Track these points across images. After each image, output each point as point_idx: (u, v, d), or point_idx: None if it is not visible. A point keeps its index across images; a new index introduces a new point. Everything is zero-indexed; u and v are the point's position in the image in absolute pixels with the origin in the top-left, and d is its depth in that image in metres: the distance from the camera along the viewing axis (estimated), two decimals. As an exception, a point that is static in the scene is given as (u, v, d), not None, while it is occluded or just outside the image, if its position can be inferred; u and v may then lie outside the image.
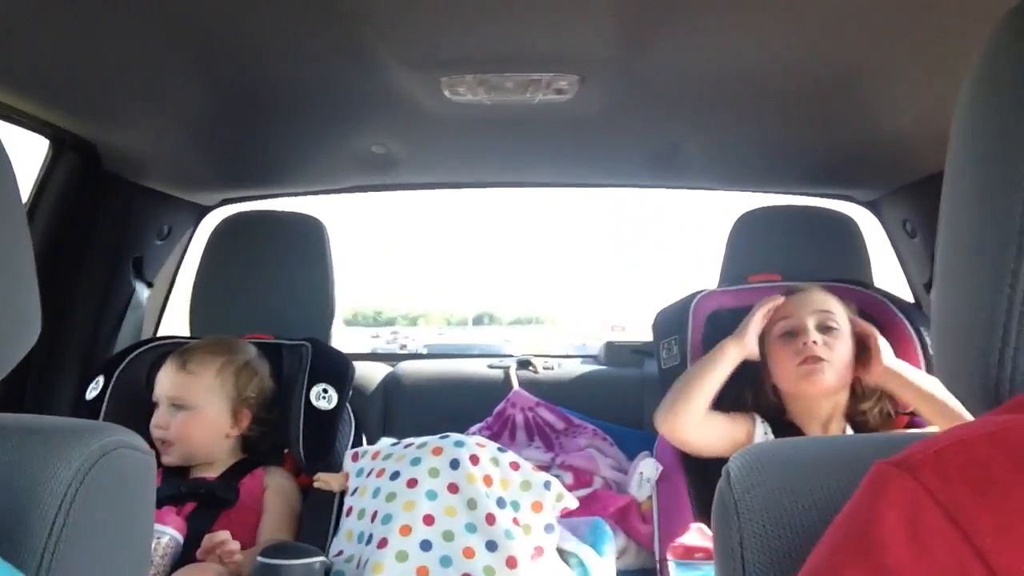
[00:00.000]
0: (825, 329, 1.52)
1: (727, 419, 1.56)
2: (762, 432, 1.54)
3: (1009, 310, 0.51)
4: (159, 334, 2.17)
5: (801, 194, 2.18)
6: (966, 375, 0.56)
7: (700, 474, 1.60)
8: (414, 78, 1.50)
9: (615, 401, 2.10)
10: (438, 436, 1.50)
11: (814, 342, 1.49)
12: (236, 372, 1.66)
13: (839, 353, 1.51)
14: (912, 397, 1.46)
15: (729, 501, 0.64)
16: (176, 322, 2.23)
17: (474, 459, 1.44)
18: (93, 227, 1.83)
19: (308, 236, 1.95)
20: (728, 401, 1.60)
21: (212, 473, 1.61)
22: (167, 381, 1.62)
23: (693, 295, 1.71)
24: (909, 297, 1.99)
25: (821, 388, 1.50)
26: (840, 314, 1.55)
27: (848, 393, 1.56)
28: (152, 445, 1.60)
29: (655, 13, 1.23)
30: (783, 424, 1.56)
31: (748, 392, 1.61)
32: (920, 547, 0.45)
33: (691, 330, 1.64)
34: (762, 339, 1.59)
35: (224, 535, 1.37)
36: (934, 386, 1.42)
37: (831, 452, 0.66)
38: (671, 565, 1.16)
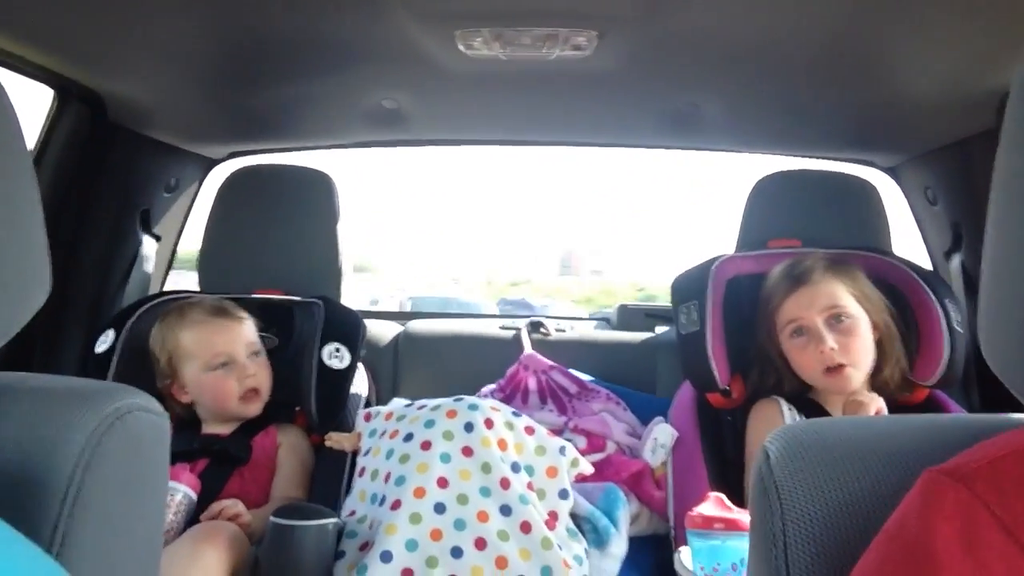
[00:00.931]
0: (836, 321, 1.47)
1: (764, 424, 1.53)
2: (788, 412, 1.52)
3: None
4: (166, 288, 2.16)
5: (821, 158, 2.14)
6: (1022, 367, 0.52)
7: (716, 441, 1.59)
8: (428, 31, 1.46)
9: (628, 365, 2.08)
10: (452, 399, 1.49)
11: (832, 349, 1.44)
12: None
13: (856, 348, 1.46)
14: None
15: (770, 484, 0.62)
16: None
17: (488, 423, 1.43)
18: (99, 179, 1.80)
19: (317, 191, 1.92)
20: (751, 384, 1.60)
21: (225, 430, 1.60)
22: (243, 331, 1.63)
23: (713, 260, 1.68)
24: (928, 265, 1.96)
25: (851, 390, 1.47)
26: (849, 302, 1.48)
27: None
28: (164, 403, 1.59)
29: None
30: (807, 402, 1.54)
31: (771, 374, 1.59)
32: (976, 561, 0.43)
33: (711, 295, 1.61)
34: (774, 332, 1.56)
35: (224, 504, 1.38)
36: None
37: (875, 439, 0.63)
38: (689, 535, 1.15)
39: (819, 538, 0.58)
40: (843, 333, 1.46)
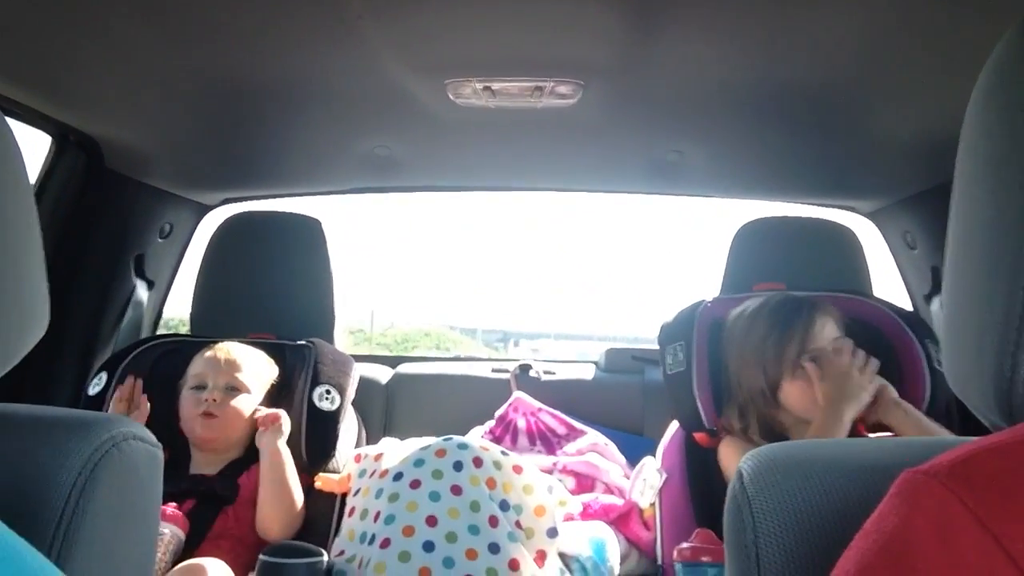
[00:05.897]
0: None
1: (737, 455, 1.53)
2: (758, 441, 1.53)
3: (1023, 316, 0.50)
4: (157, 332, 2.17)
5: (803, 204, 2.18)
6: (979, 383, 0.54)
7: (703, 481, 1.59)
8: (420, 81, 1.50)
9: (615, 407, 2.10)
10: (441, 438, 1.50)
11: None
12: (273, 374, 1.72)
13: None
14: (911, 430, 1.39)
15: (743, 500, 0.63)
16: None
17: (477, 461, 1.44)
18: (95, 224, 1.82)
19: (308, 236, 1.95)
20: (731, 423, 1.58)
21: (211, 470, 1.60)
22: (223, 361, 1.64)
23: (699, 302, 1.70)
24: (909, 308, 1.99)
25: None
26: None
27: None
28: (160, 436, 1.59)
29: (656, 21, 1.24)
30: (778, 439, 1.53)
31: (751, 413, 1.55)
32: (951, 552, 0.44)
33: (696, 336, 1.63)
34: (774, 367, 1.51)
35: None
36: (928, 423, 1.39)
37: (849, 455, 0.65)
38: (677, 568, 1.16)
39: (790, 547, 0.59)
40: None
